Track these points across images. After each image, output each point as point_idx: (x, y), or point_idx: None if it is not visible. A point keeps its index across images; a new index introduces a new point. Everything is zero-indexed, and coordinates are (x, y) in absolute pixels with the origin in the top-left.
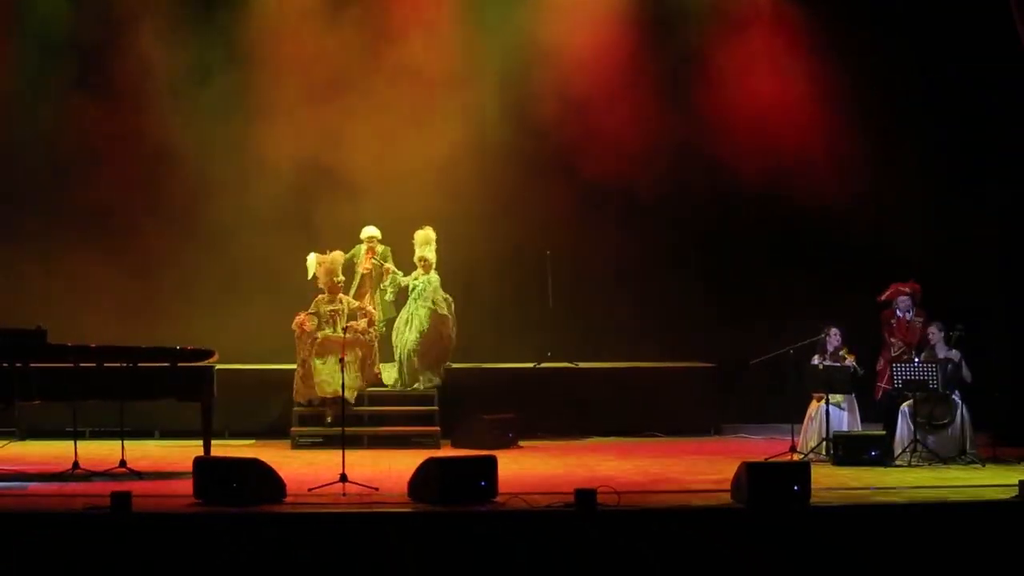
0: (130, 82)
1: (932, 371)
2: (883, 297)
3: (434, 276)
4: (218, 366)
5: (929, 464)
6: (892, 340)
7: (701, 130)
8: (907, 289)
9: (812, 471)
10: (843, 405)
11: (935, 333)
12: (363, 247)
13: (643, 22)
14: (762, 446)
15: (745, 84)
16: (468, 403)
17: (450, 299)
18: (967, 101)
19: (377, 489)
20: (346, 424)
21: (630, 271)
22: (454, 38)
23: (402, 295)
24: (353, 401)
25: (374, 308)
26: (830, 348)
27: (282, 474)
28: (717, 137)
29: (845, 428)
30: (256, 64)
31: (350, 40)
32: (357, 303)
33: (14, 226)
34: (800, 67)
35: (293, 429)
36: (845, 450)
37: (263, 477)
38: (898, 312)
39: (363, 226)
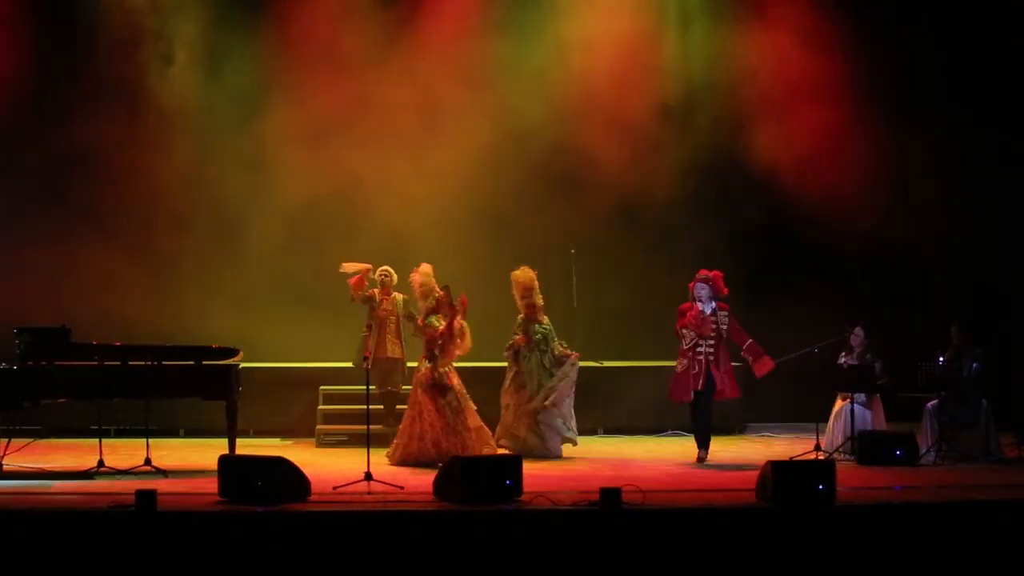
0: (161, 97)
1: (957, 371)
2: (691, 284)
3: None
4: (243, 364)
5: (954, 464)
6: (683, 331)
7: (725, 131)
8: (704, 276)
9: (837, 470)
10: (868, 404)
11: (956, 334)
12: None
13: (666, 21)
14: (787, 445)
15: (766, 82)
16: (493, 402)
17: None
18: (993, 98)
19: (402, 488)
20: (371, 423)
21: (657, 270)
22: (476, 43)
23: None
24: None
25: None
26: (855, 347)
27: (307, 472)
28: (741, 139)
29: (870, 427)
30: (281, 80)
31: (374, 51)
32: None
33: (41, 227)
34: (819, 63)
35: (318, 427)
36: (870, 449)
37: (288, 476)
38: (698, 302)
39: (384, 232)
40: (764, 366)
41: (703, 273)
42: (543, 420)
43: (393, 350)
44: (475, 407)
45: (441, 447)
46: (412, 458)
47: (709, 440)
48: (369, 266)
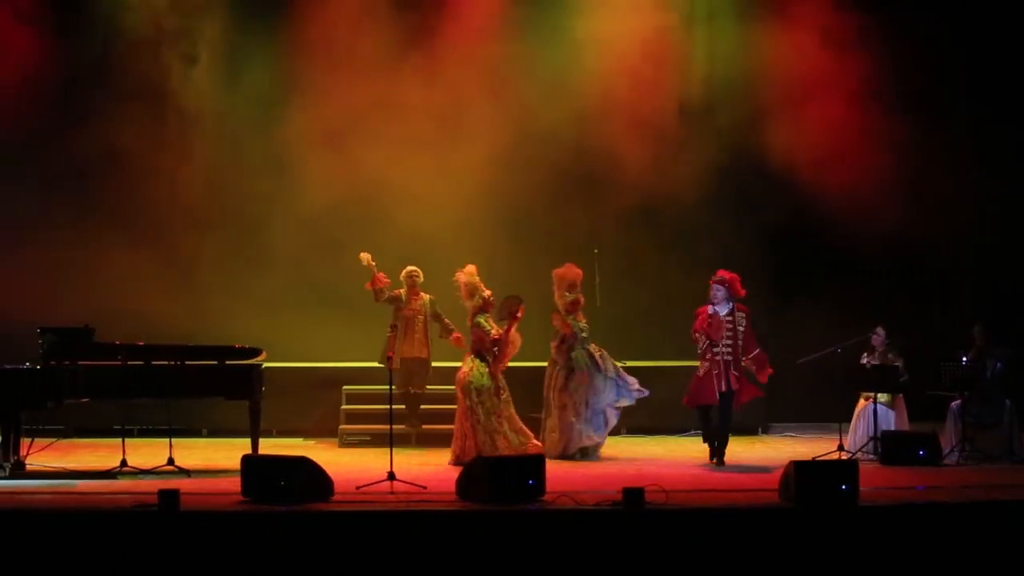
0: (183, 98)
1: (980, 371)
2: (711, 282)
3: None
4: (265, 364)
5: (977, 464)
6: (696, 335)
7: (746, 131)
8: (720, 277)
9: (860, 470)
10: (891, 404)
11: (981, 334)
12: (403, 288)
13: (687, 21)
14: (810, 445)
15: (787, 81)
16: (517, 402)
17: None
18: (1012, 96)
19: (425, 488)
20: (394, 422)
21: (679, 270)
22: (496, 45)
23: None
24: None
25: (427, 352)
26: (876, 347)
27: (330, 472)
28: (762, 138)
29: (893, 427)
30: (302, 82)
31: (394, 53)
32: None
33: (64, 226)
34: (839, 61)
35: (341, 427)
36: (893, 449)
37: (311, 475)
38: (712, 304)
39: (405, 233)
40: (763, 376)
41: (720, 274)
42: (615, 412)
43: (420, 350)
44: (512, 412)
45: (467, 445)
46: (465, 456)
47: (725, 445)
48: (372, 263)
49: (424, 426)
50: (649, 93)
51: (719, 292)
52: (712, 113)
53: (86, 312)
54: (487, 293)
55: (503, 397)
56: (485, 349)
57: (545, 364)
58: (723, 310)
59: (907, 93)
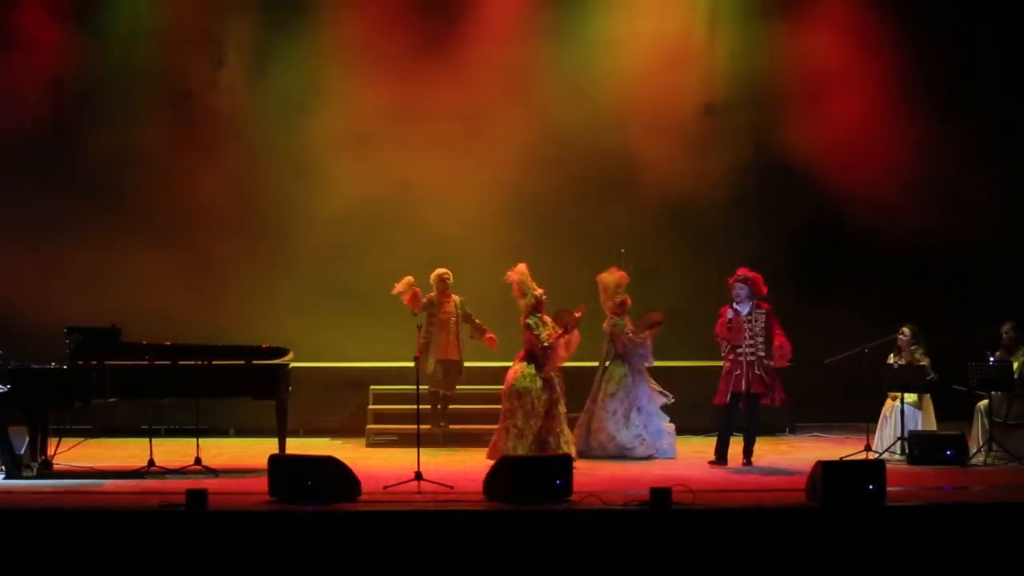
0: (210, 100)
1: (1008, 370)
2: (731, 280)
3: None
4: (293, 364)
5: (1004, 464)
6: (719, 339)
7: (772, 130)
8: (743, 275)
9: (887, 470)
10: (918, 404)
11: (1009, 333)
12: (433, 292)
13: (711, 20)
14: (837, 445)
15: (817, 80)
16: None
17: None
18: None
19: (452, 488)
20: (420, 422)
21: (704, 269)
22: (520, 46)
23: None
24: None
25: (460, 354)
26: (902, 348)
27: (357, 472)
28: (789, 138)
29: (920, 427)
30: (327, 83)
31: (419, 55)
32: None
33: (92, 227)
34: (870, 60)
35: (368, 427)
36: (920, 449)
37: (338, 475)
38: (733, 304)
39: (431, 234)
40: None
41: (742, 273)
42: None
43: (453, 352)
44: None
45: (498, 445)
46: (495, 456)
47: (752, 445)
48: (412, 279)
49: (451, 426)
50: (671, 93)
51: (741, 291)
52: (734, 112)
53: (112, 312)
54: (539, 292)
55: (553, 397)
56: (535, 351)
57: (585, 363)
58: (744, 309)
59: (930, 92)
